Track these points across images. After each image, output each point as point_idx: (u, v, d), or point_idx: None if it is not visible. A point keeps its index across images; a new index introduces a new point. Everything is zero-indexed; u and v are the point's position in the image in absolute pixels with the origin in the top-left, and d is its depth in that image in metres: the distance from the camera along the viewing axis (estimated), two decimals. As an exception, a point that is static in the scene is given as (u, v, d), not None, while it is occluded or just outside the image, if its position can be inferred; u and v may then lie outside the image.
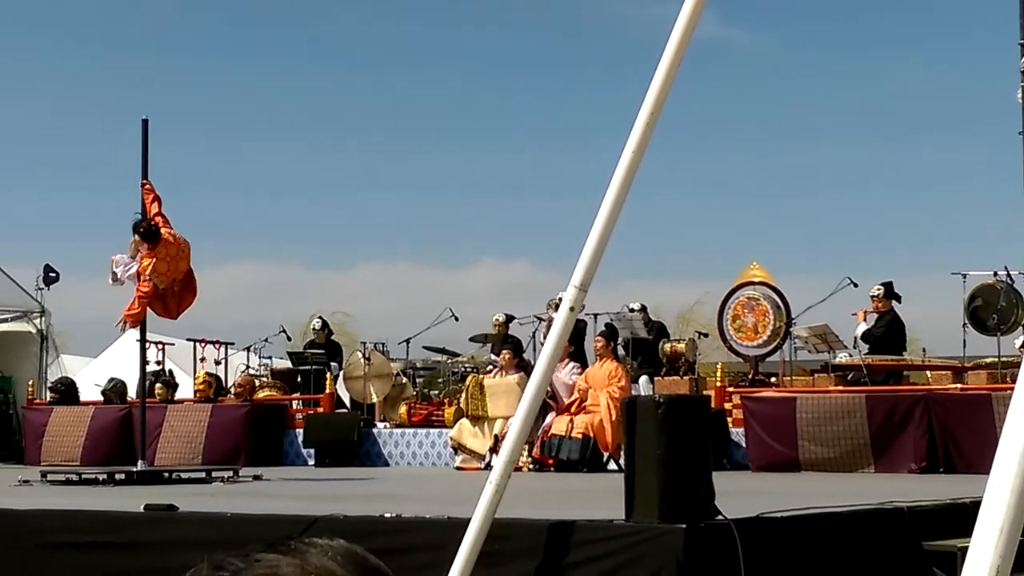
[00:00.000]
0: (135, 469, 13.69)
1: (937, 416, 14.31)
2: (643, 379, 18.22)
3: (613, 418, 15.13)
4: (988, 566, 2.65)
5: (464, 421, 16.48)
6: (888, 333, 16.90)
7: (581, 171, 41.45)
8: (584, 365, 16.55)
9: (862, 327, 17.07)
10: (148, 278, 13.43)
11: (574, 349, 16.46)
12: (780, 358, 18.05)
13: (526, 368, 16.16)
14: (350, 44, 49.33)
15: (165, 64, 49.25)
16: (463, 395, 16.61)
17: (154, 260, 13.42)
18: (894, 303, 17.16)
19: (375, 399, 19.18)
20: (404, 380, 19.70)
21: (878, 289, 17.11)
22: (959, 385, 15.66)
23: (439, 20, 49.24)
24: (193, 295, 13.99)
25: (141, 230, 13.49)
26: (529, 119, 49.85)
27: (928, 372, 17.56)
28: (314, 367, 20.28)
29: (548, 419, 15.55)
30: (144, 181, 13.73)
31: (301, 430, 18.43)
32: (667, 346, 18.75)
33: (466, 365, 20.20)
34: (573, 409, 15.65)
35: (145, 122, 13.82)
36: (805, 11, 47.25)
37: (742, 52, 47.42)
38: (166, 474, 14.00)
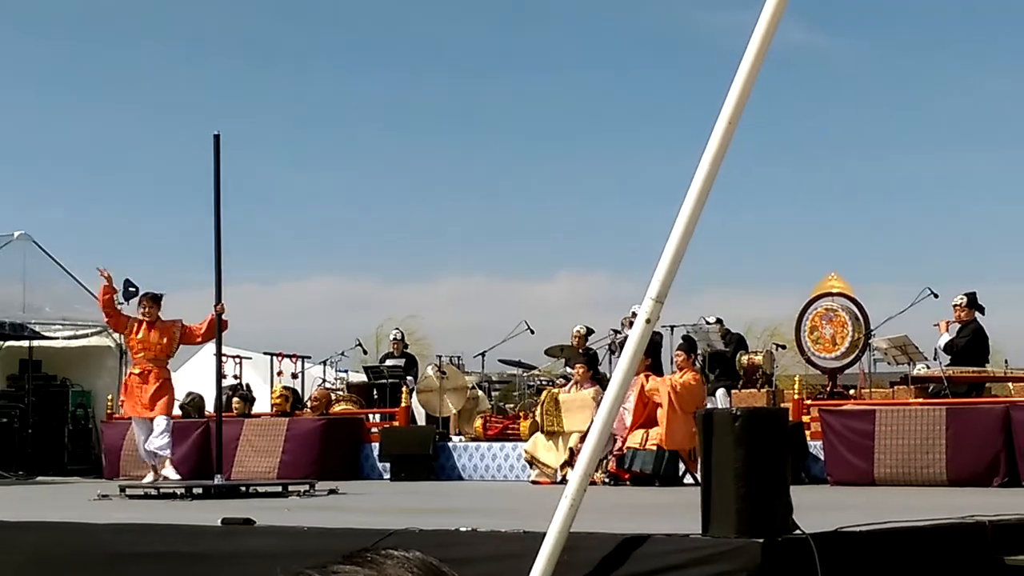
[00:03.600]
0: (213, 483, 13.78)
1: (1019, 429, 14.12)
2: (720, 392, 18.12)
3: (676, 410, 15.13)
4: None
5: (539, 435, 16.45)
6: (971, 344, 16.70)
7: (662, 180, 41.34)
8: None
9: (944, 338, 16.89)
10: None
11: (651, 362, 16.39)
12: (859, 370, 17.89)
13: (601, 382, 16.11)
14: (423, 49, 49.49)
15: (248, 78, 49.62)
16: (538, 409, 16.59)
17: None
18: (977, 314, 16.96)
19: (450, 412, 19.21)
20: (479, 393, 19.72)
21: (961, 299, 16.93)
22: (1042, 397, 15.45)
23: (520, 31, 49.30)
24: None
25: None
26: (607, 128, 49.77)
27: (1010, 384, 17.34)
28: (390, 380, 20.35)
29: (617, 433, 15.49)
30: (220, 307, 14.44)
31: (377, 444, 18.49)
32: (744, 358, 18.64)
33: (541, 378, 20.19)
34: (650, 422, 15.59)
35: (217, 137, 13.81)
36: (890, 16, 46.81)
37: (824, 58, 47.09)
38: (243, 488, 14.08)
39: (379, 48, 49.40)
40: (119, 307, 15.47)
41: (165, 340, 15.23)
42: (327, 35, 49.09)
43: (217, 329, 14.50)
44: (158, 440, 15.10)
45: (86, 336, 22.21)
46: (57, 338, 22.11)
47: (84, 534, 9.30)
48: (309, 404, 20.05)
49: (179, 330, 15.24)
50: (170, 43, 47.97)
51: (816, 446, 15.59)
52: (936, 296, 17.38)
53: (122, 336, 21.74)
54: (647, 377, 15.69)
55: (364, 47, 49.56)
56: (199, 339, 15.46)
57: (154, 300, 15.39)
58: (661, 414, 15.40)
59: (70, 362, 22.09)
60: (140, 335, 15.23)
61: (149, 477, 15.21)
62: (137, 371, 15.36)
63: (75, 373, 22.13)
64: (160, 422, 15.13)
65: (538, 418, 16.53)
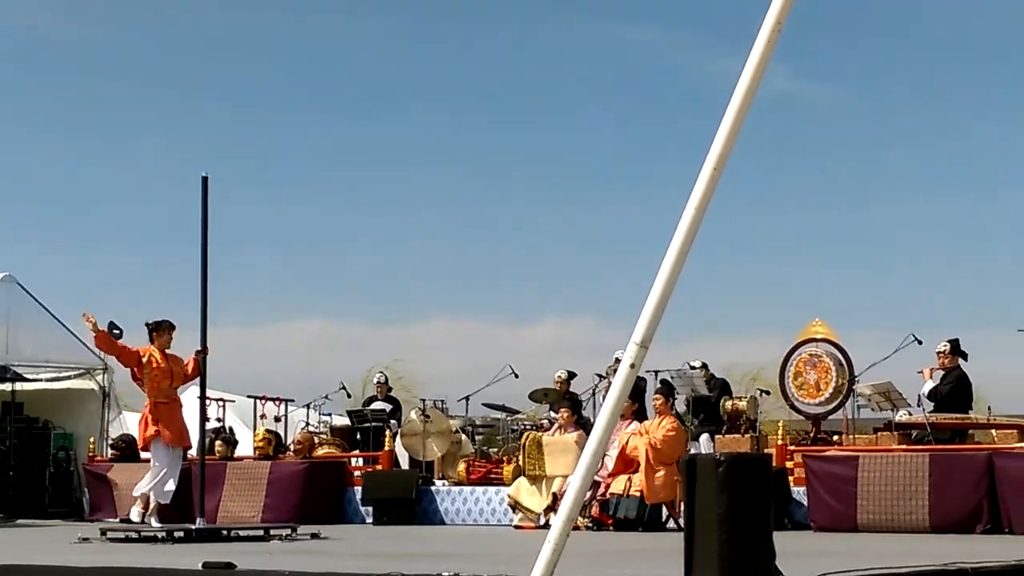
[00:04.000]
0: (194, 527, 13.72)
1: (1003, 475, 14.13)
2: (704, 437, 18.10)
3: (652, 465, 15.13)
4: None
5: (522, 479, 16.41)
6: (955, 390, 16.72)
7: (649, 226, 41.43)
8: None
9: (928, 384, 16.91)
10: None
11: (637, 407, 16.37)
12: (843, 416, 17.88)
13: (585, 426, 16.11)
14: (411, 89, 49.60)
15: (231, 119, 49.71)
16: (521, 453, 16.55)
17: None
18: (960, 360, 16.99)
19: (434, 456, 19.16)
20: (463, 437, 19.67)
21: (944, 346, 16.95)
22: (1025, 444, 15.45)
23: (511, 74, 49.50)
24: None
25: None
26: (595, 173, 49.90)
27: (993, 431, 17.35)
28: (373, 424, 20.29)
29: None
30: (203, 350, 14.29)
31: (360, 488, 18.42)
32: (728, 404, 18.63)
33: (525, 423, 20.16)
34: (634, 468, 15.56)
35: (205, 179, 13.80)
36: (873, 63, 47.09)
37: (807, 104, 47.32)
38: (225, 532, 14.01)
39: (364, 88, 49.56)
40: (120, 342, 14.96)
41: (177, 369, 14.85)
42: (315, 78, 49.25)
43: (202, 371, 14.43)
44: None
45: (68, 378, 22.13)
46: (40, 380, 22.03)
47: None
48: (292, 447, 19.98)
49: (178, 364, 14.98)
50: (158, 85, 48.12)
51: (799, 492, 15.59)
52: (920, 343, 17.40)
53: (109, 375, 21.73)
54: (629, 425, 15.69)
55: (349, 86, 49.73)
56: (187, 377, 15.15)
57: (173, 328, 15.07)
58: (641, 469, 15.40)
59: (52, 404, 21.99)
60: (163, 364, 14.77)
61: (135, 514, 14.93)
62: (165, 400, 14.85)
63: (57, 415, 22.02)
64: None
65: (520, 461, 16.49)
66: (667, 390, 16.74)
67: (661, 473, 15.31)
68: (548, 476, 16.13)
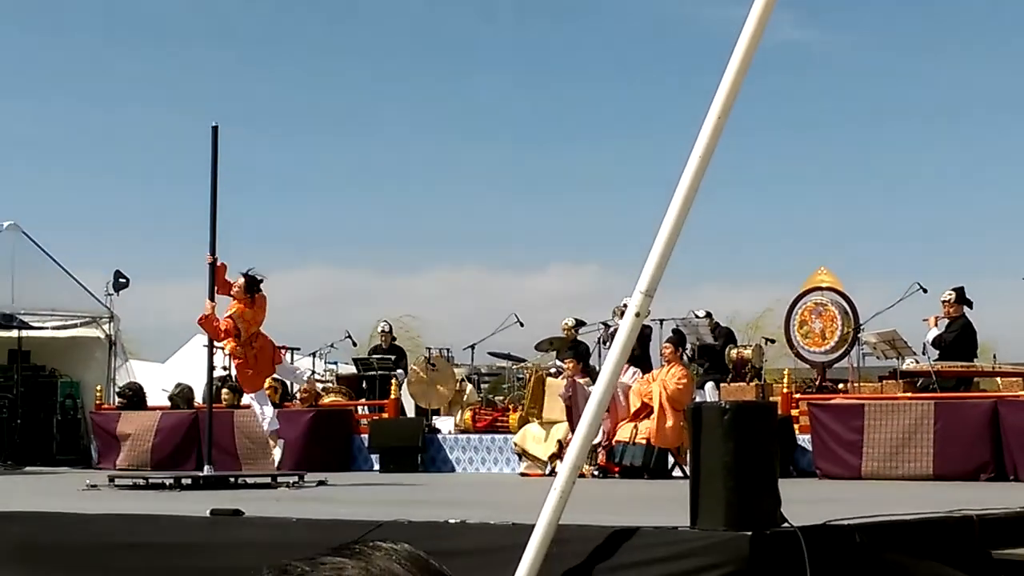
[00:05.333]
0: (202, 474, 13.78)
1: (1007, 423, 14.16)
2: (709, 385, 18.14)
3: (666, 411, 15.14)
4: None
5: (528, 427, 16.46)
6: (959, 339, 16.74)
7: (654, 173, 41.34)
8: (647, 371, 16.49)
9: (933, 332, 16.92)
10: (231, 316, 14.38)
11: (639, 353, 16.38)
12: (848, 364, 17.92)
13: (591, 374, 16.13)
14: (414, 40, 49.46)
15: (237, 63, 49.58)
16: (527, 393, 16.60)
17: (243, 307, 14.39)
18: (965, 309, 17.00)
19: (437, 404, 19.21)
20: (468, 386, 19.73)
21: (949, 294, 16.96)
22: (1030, 392, 15.49)
23: (512, 18, 49.29)
24: (268, 367, 15.08)
25: (247, 278, 14.40)
26: (601, 120, 49.75)
27: (998, 379, 17.38)
28: (379, 373, 20.35)
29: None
30: (211, 257, 13.95)
31: (366, 435, 18.49)
32: (734, 352, 18.67)
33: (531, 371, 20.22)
34: (640, 416, 15.60)
35: (215, 129, 13.78)
36: (880, 11, 46.81)
37: (814, 53, 47.10)
38: (232, 479, 14.07)
39: (372, 40, 49.39)
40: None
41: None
42: (320, 23, 49.06)
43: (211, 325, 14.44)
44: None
45: (75, 327, 22.20)
46: (46, 328, 22.09)
47: (73, 524, 9.30)
48: (298, 396, 20.04)
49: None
50: (164, 31, 47.94)
51: (805, 439, 15.62)
52: (925, 291, 17.42)
53: (115, 324, 21.79)
54: (626, 374, 15.70)
55: (356, 36, 49.56)
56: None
57: (246, 280, 14.58)
58: (653, 414, 15.41)
59: (59, 353, 22.07)
60: (254, 313, 14.61)
61: (277, 454, 15.11)
62: (255, 347, 14.78)
63: (64, 364, 22.10)
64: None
65: (525, 401, 16.54)
66: (678, 339, 16.75)
67: (671, 418, 15.31)
68: (544, 420, 16.16)
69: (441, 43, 49.18)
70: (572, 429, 15.32)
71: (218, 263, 14.10)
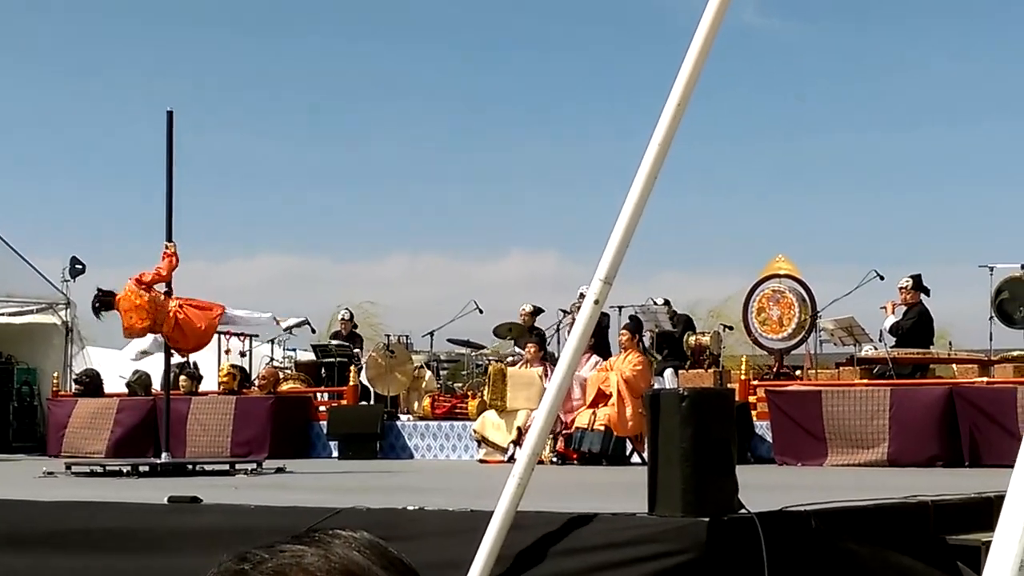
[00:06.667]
0: (159, 461, 13.74)
1: (963, 410, 14.27)
2: (668, 372, 18.21)
3: (625, 399, 15.16)
4: (1012, 560, 2.63)
5: (487, 414, 16.47)
6: (916, 326, 16.86)
7: (613, 161, 41.40)
8: (605, 358, 16.52)
9: (890, 320, 17.04)
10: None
11: (595, 342, 16.42)
12: (806, 351, 18.01)
13: (550, 360, 16.16)
14: (371, 31, 49.31)
15: (194, 51, 49.33)
16: (486, 384, 16.60)
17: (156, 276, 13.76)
18: (922, 296, 17.11)
19: (396, 391, 19.20)
20: (427, 373, 19.71)
21: (906, 281, 17.07)
22: (985, 379, 15.61)
23: (479, 6, 49.24)
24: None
25: (96, 305, 13.84)
26: (561, 108, 49.77)
27: (954, 365, 17.51)
28: (338, 359, 20.32)
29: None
30: (168, 244, 13.66)
31: (325, 422, 18.47)
32: (692, 339, 18.73)
33: (489, 358, 20.23)
34: (598, 403, 15.63)
35: (170, 114, 13.74)
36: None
37: (773, 39, 47.26)
38: (190, 466, 14.04)
39: (332, 20, 49.23)
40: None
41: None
42: (279, 4, 48.88)
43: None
44: None
45: (31, 313, 22.05)
46: (2, 315, 21.94)
47: (30, 511, 9.25)
48: (257, 382, 19.99)
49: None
50: (121, 14, 47.65)
51: (762, 426, 15.70)
52: (882, 278, 17.52)
53: (72, 310, 21.63)
54: (588, 361, 15.71)
55: (317, 17, 49.40)
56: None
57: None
58: (616, 411, 15.44)
59: (15, 339, 21.93)
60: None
61: None
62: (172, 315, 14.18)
63: (20, 350, 21.96)
64: None
65: (485, 394, 16.53)
66: (635, 326, 16.80)
67: (630, 405, 15.36)
68: (508, 409, 16.18)
69: (400, 22, 49.11)
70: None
71: (172, 250, 13.86)
